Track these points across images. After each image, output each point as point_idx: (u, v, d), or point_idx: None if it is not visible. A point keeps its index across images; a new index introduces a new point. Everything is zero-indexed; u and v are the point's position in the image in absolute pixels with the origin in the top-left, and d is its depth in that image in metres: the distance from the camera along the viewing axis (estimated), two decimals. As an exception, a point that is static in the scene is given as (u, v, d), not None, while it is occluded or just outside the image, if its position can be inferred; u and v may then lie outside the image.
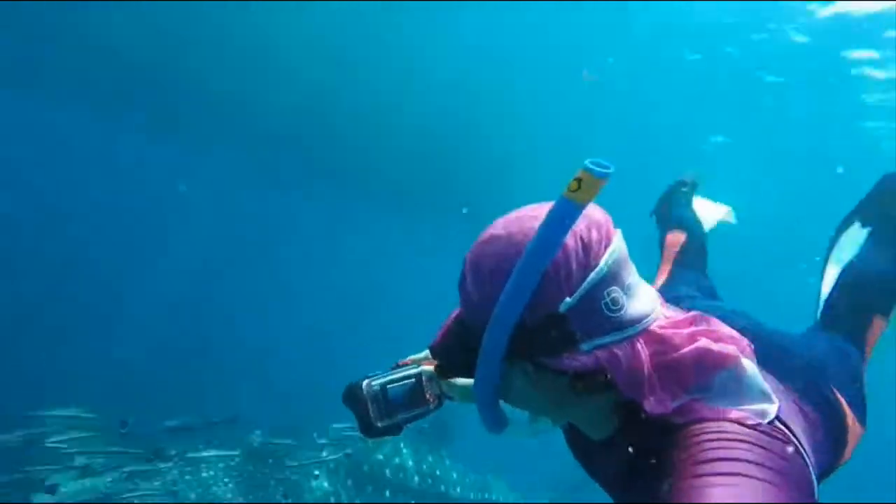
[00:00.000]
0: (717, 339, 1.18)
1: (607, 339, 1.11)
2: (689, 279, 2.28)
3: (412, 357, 1.45)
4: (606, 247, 1.13)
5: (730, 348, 1.17)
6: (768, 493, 0.97)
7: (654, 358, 1.12)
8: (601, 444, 1.30)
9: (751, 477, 0.99)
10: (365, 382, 1.29)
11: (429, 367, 1.35)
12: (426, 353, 1.44)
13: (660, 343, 1.14)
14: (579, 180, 1.06)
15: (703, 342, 1.16)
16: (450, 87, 10.60)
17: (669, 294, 1.63)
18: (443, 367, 1.31)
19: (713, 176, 3.15)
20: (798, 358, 1.60)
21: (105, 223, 16.95)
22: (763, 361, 1.26)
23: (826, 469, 1.46)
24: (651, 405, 1.12)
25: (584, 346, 1.11)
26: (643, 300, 1.17)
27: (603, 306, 1.11)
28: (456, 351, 1.25)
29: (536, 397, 1.23)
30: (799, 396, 1.39)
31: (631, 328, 1.13)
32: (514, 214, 1.21)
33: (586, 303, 1.10)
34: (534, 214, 1.16)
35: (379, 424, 1.28)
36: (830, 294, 2.20)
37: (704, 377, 1.15)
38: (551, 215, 1.08)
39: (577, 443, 1.44)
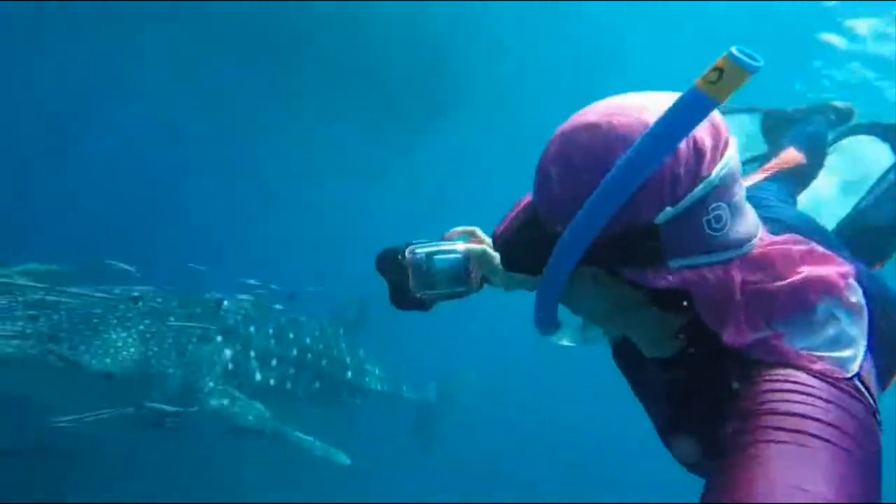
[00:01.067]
0: (821, 264, 1.07)
1: (701, 260, 1.00)
2: (771, 188, 1.90)
3: (458, 229, 1.33)
4: (721, 155, 1.01)
5: (833, 277, 1.05)
6: (837, 459, 0.87)
7: (747, 285, 1.01)
8: (656, 362, 1.20)
9: (821, 438, 0.88)
10: (408, 249, 1.19)
11: (476, 247, 1.25)
12: (473, 228, 1.33)
13: (759, 269, 1.03)
14: (720, 70, 0.90)
15: (806, 270, 1.04)
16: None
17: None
18: (505, 259, 1.19)
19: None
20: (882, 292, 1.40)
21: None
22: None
23: None
24: (729, 335, 1.02)
25: (672, 264, 1.00)
26: (747, 221, 1.05)
27: (704, 223, 0.99)
28: (522, 245, 1.13)
29: (601, 305, 1.13)
30: (875, 343, 1.22)
31: (730, 251, 1.01)
32: (614, 101, 1.05)
33: (687, 217, 0.98)
34: (641, 104, 1.02)
35: (418, 294, 1.19)
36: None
37: (799, 310, 1.03)
38: (678, 107, 0.93)
39: (626, 357, 1.35)
